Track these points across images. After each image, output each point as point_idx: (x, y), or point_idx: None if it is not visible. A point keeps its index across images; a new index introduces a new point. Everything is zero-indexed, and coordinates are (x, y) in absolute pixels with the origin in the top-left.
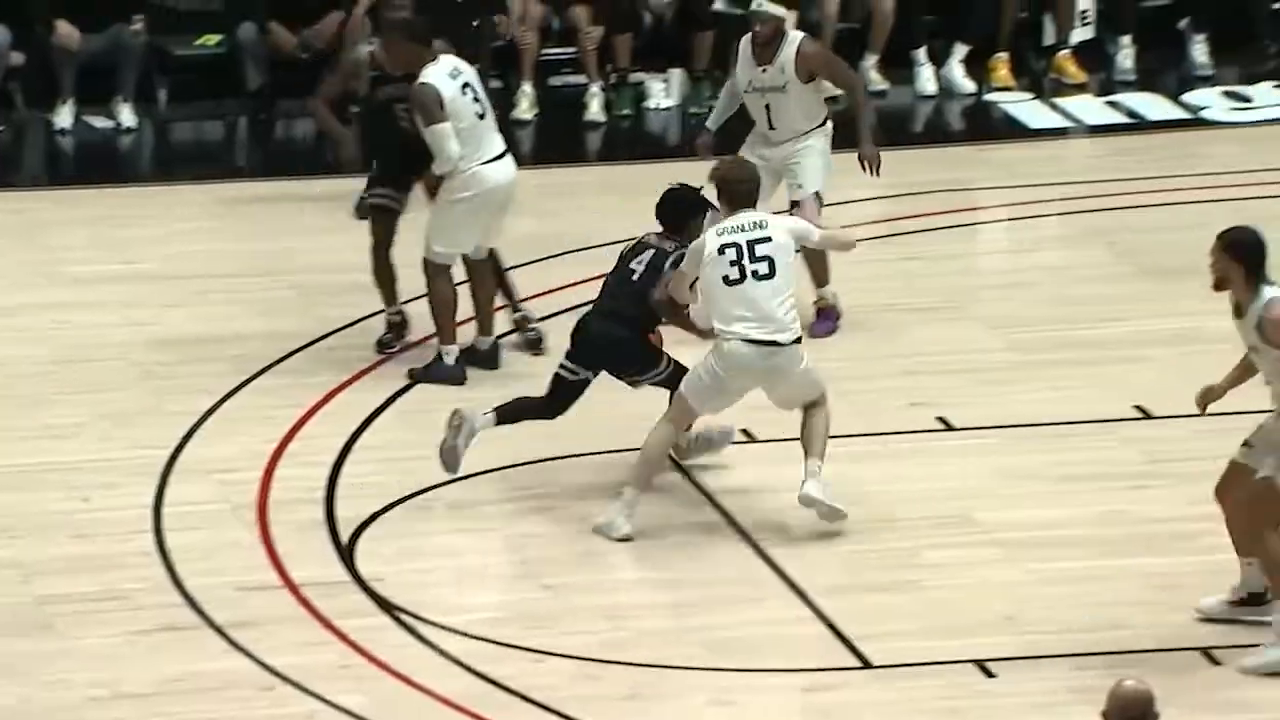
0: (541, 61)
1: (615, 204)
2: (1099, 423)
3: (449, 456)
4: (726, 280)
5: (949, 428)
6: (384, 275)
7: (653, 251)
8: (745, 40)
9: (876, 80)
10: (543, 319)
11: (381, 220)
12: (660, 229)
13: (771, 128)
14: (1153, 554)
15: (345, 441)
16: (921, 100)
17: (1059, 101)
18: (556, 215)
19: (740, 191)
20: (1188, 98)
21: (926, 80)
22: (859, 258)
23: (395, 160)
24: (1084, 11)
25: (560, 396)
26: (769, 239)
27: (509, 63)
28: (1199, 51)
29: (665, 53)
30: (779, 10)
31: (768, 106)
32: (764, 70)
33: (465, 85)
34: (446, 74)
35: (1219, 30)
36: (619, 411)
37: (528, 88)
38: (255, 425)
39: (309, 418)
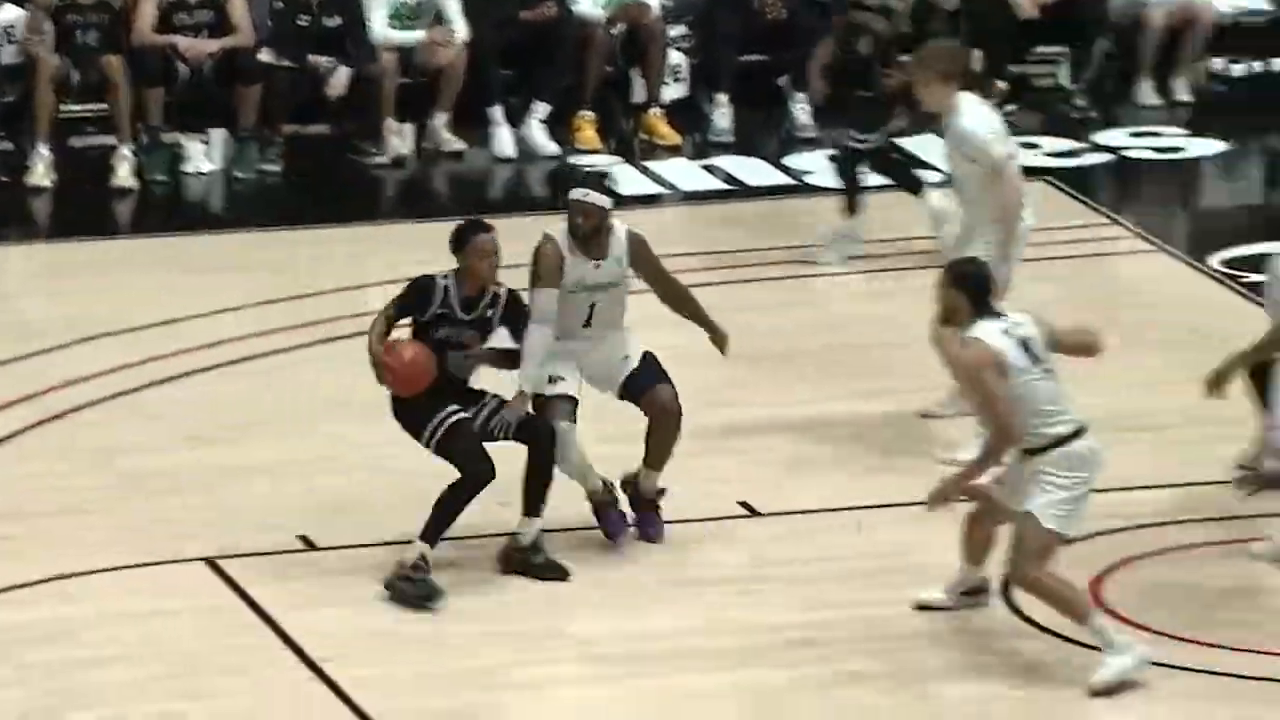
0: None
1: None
2: (704, 521)
3: None
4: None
5: None
6: None
7: None
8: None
9: (450, 140)
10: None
11: None
12: None
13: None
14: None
15: None
16: (499, 163)
17: (650, 165)
18: (80, 294)
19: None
20: (789, 161)
21: (504, 142)
22: None
23: None
24: (676, 67)
25: None
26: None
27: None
28: (801, 112)
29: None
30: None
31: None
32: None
33: None
34: None
35: None
36: None
37: (44, 150)
38: None
39: None
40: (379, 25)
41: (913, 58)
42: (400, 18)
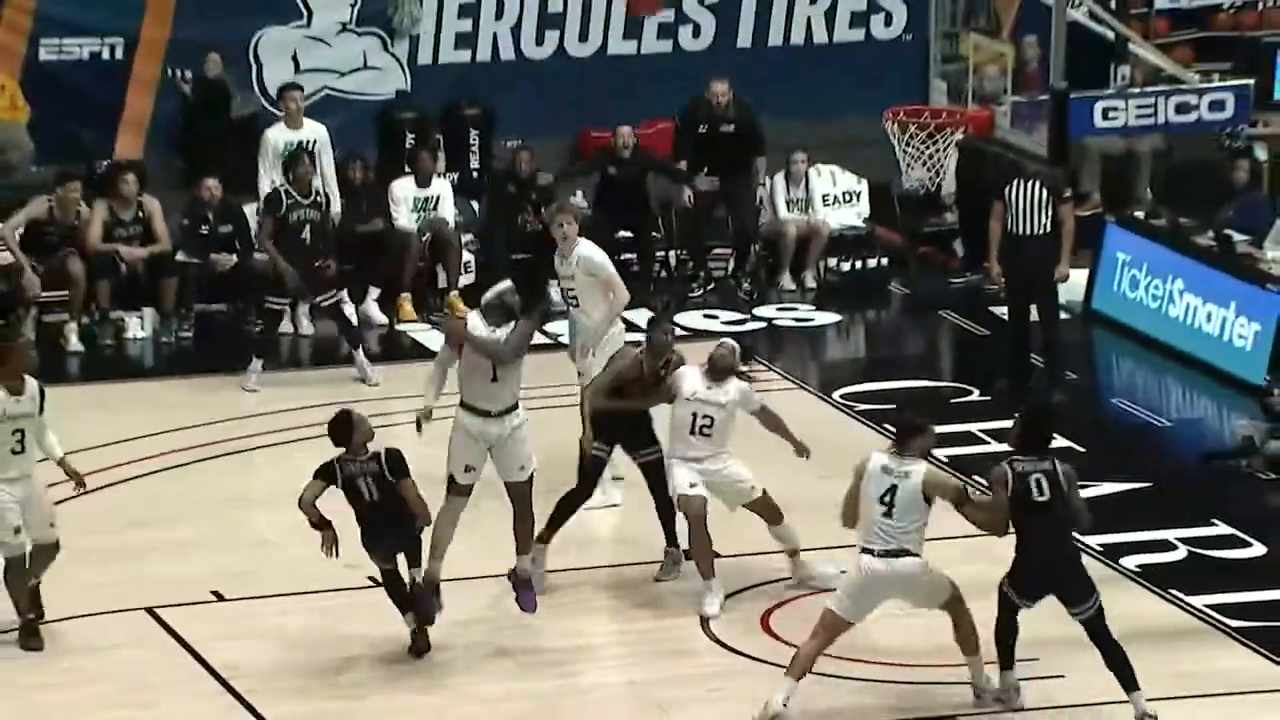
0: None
1: (101, 414)
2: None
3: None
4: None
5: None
6: None
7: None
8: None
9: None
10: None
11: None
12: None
13: None
14: None
15: None
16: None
17: None
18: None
19: None
20: (548, 327)
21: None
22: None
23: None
24: (467, 263)
25: None
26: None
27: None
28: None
29: (139, 295)
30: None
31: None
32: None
33: None
34: None
35: None
36: None
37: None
38: None
39: None
40: (404, 218)
41: (554, 207)
42: (417, 210)
